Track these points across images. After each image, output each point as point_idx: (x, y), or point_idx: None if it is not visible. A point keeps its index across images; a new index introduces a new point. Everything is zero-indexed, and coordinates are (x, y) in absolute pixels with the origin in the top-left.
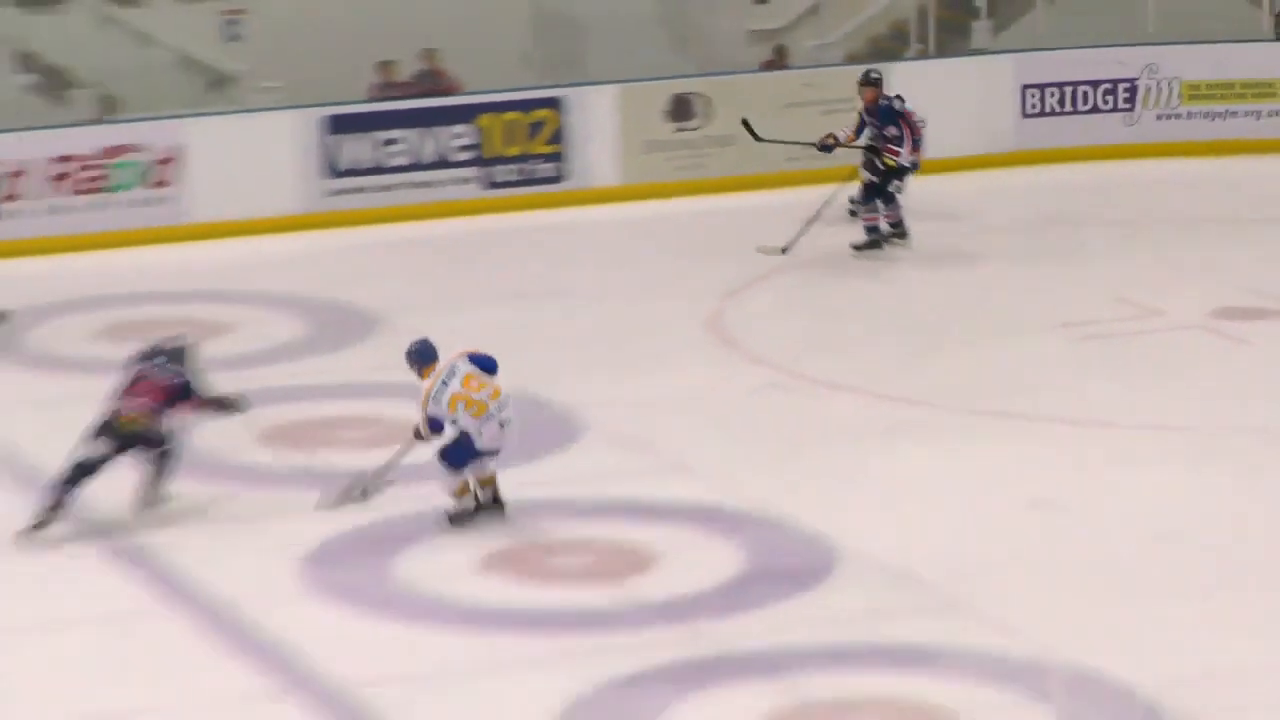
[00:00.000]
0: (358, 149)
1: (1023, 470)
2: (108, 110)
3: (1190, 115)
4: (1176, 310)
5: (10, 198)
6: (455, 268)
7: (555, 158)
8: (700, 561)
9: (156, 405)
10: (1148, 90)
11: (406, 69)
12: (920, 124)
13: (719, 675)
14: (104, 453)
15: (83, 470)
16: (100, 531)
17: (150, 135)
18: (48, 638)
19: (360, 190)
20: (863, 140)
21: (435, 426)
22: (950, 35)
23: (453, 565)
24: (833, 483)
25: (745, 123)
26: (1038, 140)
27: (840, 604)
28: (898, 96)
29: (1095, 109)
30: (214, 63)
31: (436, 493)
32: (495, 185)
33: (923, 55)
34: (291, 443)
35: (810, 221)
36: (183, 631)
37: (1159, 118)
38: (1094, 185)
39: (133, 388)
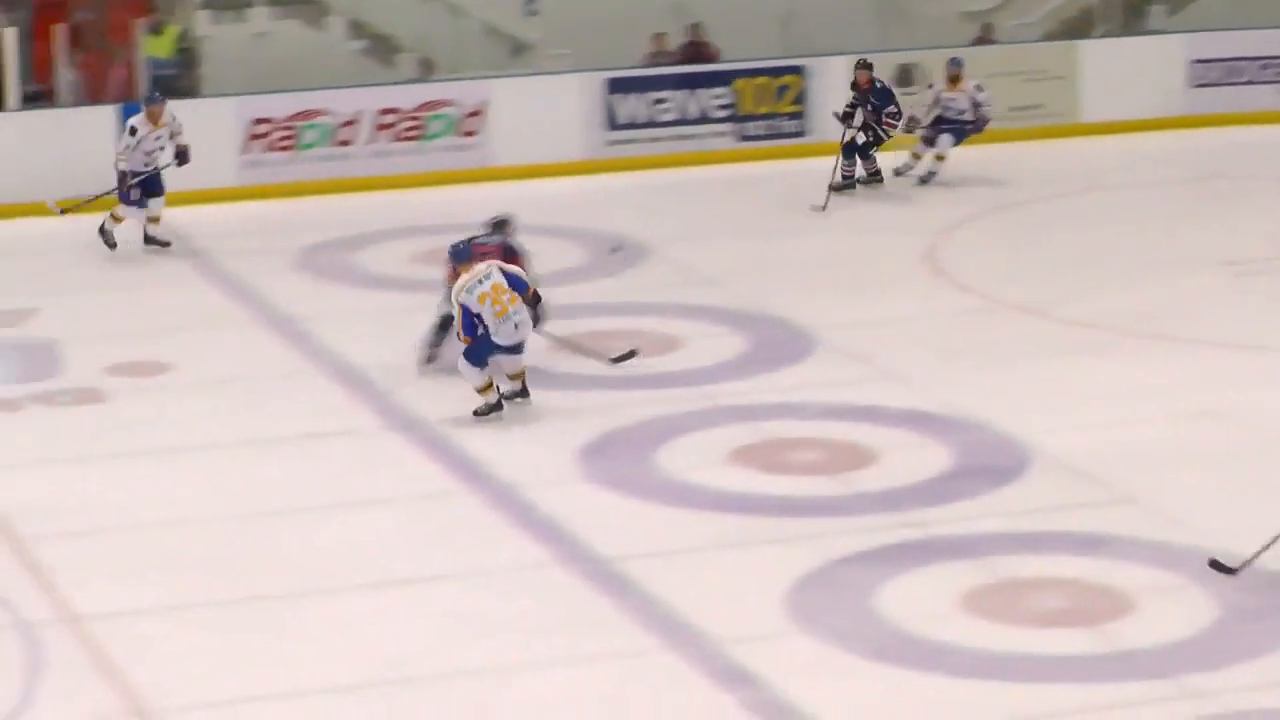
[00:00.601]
0: (633, 106)
1: (1187, 384)
2: (425, 71)
3: None
4: None
5: (343, 143)
6: (711, 207)
7: (797, 116)
8: (913, 459)
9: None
10: None
11: (675, 40)
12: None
13: (926, 556)
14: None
15: (445, 325)
16: (410, 423)
17: (460, 93)
18: (361, 513)
19: (634, 141)
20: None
21: (468, 327)
22: (1131, 17)
23: (704, 457)
24: (1026, 393)
25: (838, 115)
26: (1203, 107)
27: (1031, 496)
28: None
29: (1252, 81)
30: (515, 33)
31: (685, 397)
32: (746, 138)
33: (1108, 34)
34: (574, 350)
35: (831, 184)
36: (475, 509)
37: None
38: (1250, 145)
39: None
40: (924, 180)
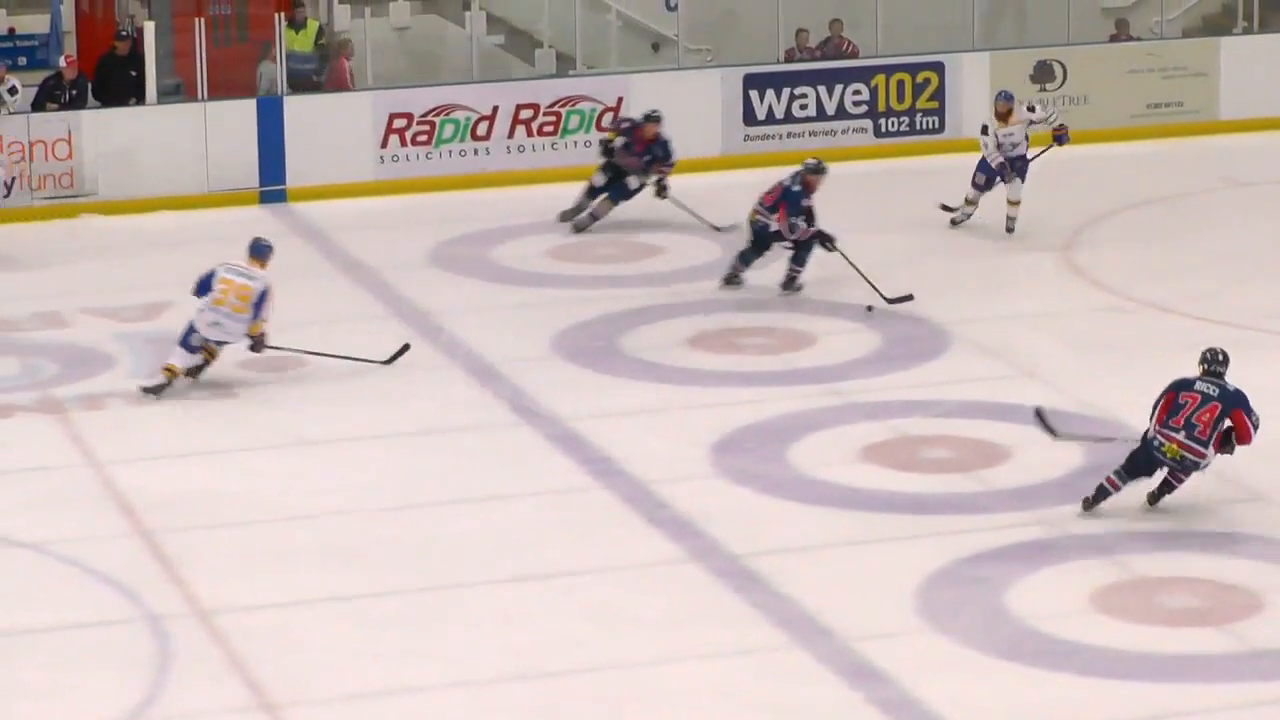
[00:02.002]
0: (771, 102)
1: None
2: (564, 66)
3: None
4: None
5: (481, 138)
6: (849, 203)
7: (936, 112)
8: (1045, 456)
9: (766, 206)
10: None
11: (816, 37)
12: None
13: (1058, 553)
14: (752, 247)
15: (742, 259)
16: (540, 419)
17: (598, 88)
18: (496, 507)
19: (772, 137)
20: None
21: (200, 288)
22: (1272, 13)
23: (836, 454)
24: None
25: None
26: None
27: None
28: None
29: None
30: (654, 28)
31: (818, 393)
32: (885, 134)
33: (1248, 31)
34: (710, 346)
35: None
36: (608, 504)
37: None
38: None
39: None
40: (953, 222)
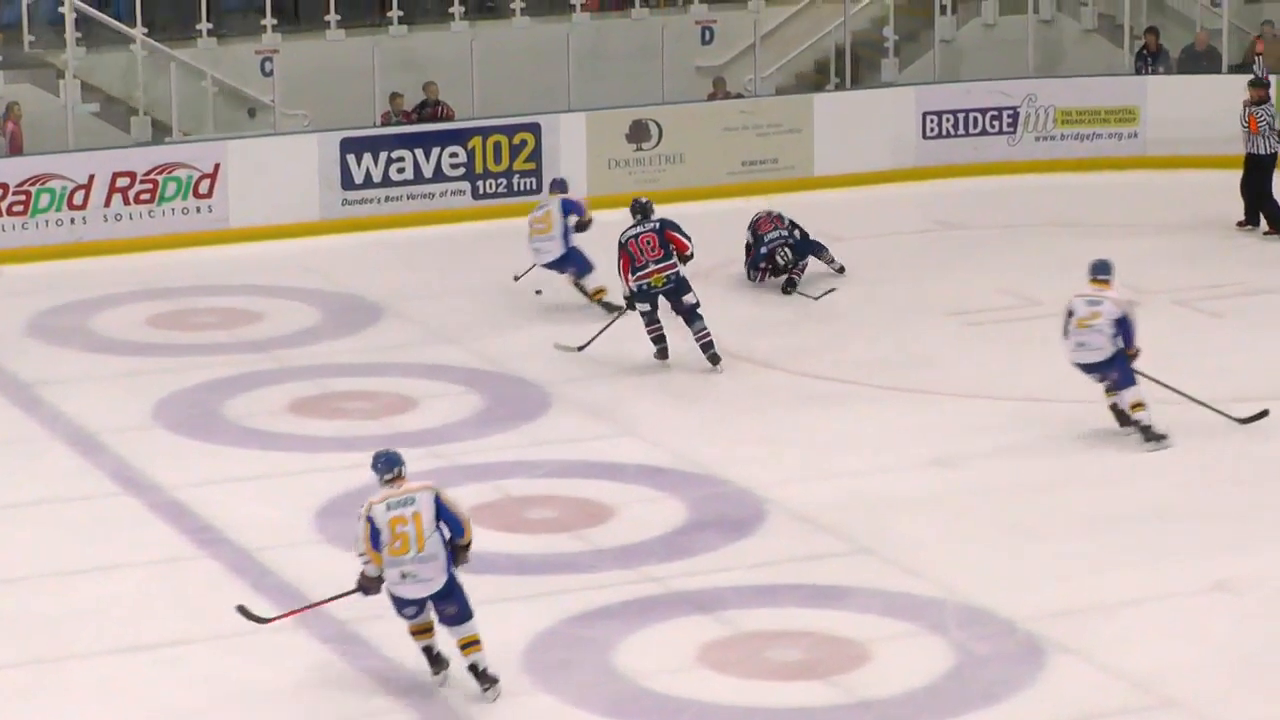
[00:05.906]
0: (369, 166)
1: (922, 434)
2: (160, 133)
3: (1063, 137)
4: (1051, 299)
5: (77, 207)
6: (448, 265)
7: (533, 173)
8: (649, 513)
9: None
10: (1028, 116)
11: (411, 100)
12: None
13: (663, 610)
14: None
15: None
16: (143, 489)
17: (195, 154)
18: (100, 578)
19: (370, 201)
20: None
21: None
22: (864, 70)
23: None
24: (763, 445)
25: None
26: (935, 158)
27: (768, 549)
28: None
29: (984, 132)
30: (251, 93)
31: (422, 456)
32: (483, 196)
33: (840, 87)
34: (312, 412)
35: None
36: (213, 574)
37: (1037, 139)
38: (982, 195)
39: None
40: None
